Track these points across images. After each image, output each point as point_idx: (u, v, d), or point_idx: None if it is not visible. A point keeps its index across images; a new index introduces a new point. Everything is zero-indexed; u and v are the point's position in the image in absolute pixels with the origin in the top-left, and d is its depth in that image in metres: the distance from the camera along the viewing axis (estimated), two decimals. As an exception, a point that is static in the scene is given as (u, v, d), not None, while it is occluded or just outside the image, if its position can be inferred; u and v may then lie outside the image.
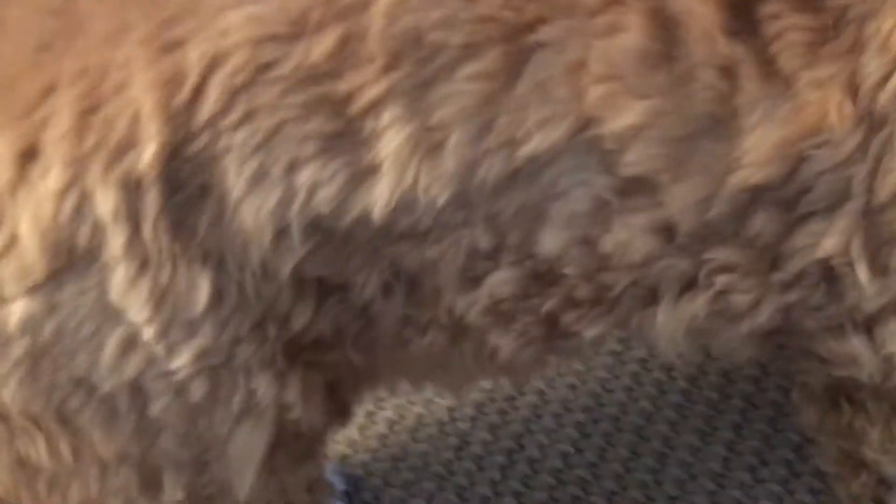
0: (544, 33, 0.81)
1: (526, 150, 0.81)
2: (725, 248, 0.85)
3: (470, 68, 0.81)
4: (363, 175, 0.82)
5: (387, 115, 0.81)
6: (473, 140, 0.81)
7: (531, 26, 0.81)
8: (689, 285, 0.87)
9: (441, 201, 0.83)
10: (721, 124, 0.81)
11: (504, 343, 0.91)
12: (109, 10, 0.83)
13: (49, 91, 0.82)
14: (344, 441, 1.29)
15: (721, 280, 0.86)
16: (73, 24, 0.84)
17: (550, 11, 0.81)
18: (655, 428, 1.28)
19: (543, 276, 0.87)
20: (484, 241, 0.85)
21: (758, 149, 0.80)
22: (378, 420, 1.32)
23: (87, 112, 0.82)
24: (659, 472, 1.25)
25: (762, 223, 0.83)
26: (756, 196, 0.82)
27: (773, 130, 0.80)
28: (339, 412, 0.99)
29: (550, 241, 0.85)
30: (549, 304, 0.88)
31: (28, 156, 0.81)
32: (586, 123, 0.81)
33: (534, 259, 0.86)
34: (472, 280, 0.87)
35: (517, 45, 0.81)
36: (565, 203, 0.83)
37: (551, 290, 0.88)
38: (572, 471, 1.27)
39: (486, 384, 1.31)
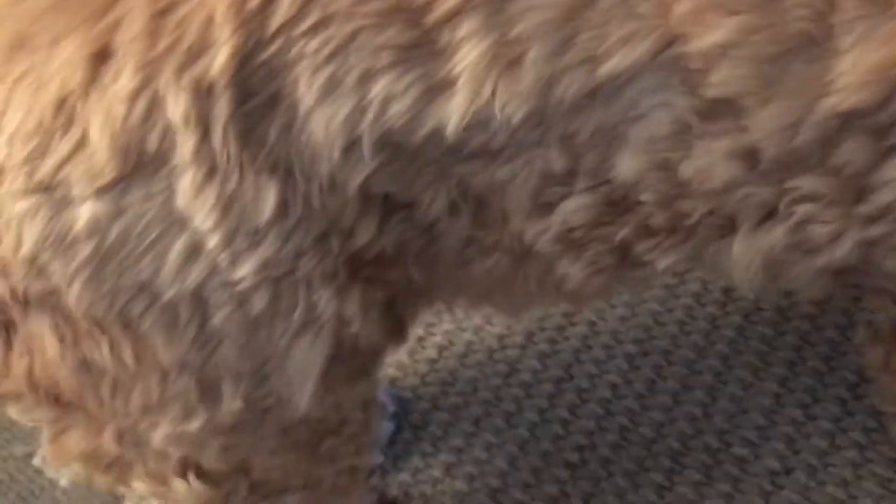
0: None
1: (607, 68, 0.79)
2: (810, 177, 0.82)
3: None
4: (438, 89, 0.80)
5: (464, 27, 0.79)
6: (553, 55, 0.79)
7: None
8: (768, 215, 0.84)
9: (517, 119, 0.80)
10: (815, 45, 0.77)
11: (573, 271, 0.89)
12: None
13: (120, -9, 0.81)
14: (394, 365, 1.30)
15: (802, 210, 0.83)
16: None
17: None
18: (707, 362, 1.27)
19: (618, 203, 0.85)
20: (558, 164, 0.83)
21: (852, 72, 0.77)
22: (428, 345, 1.32)
23: (160, 14, 0.80)
24: (709, 405, 1.24)
25: (851, 151, 0.80)
26: (847, 122, 0.79)
27: (870, 53, 0.77)
28: (396, 329, 0.99)
29: (628, 166, 0.82)
30: (623, 233, 0.86)
31: (100, 57, 0.80)
32: (671, 41, 0.78)
33: (609, 185, 0.83)
34: (544, 206, 0.85)
35: None
36: (645, 125, 0.81)
37: (626, 217, 0.85)
38: (620, 401, 1.27)
39: (537, 312, 1.31)
